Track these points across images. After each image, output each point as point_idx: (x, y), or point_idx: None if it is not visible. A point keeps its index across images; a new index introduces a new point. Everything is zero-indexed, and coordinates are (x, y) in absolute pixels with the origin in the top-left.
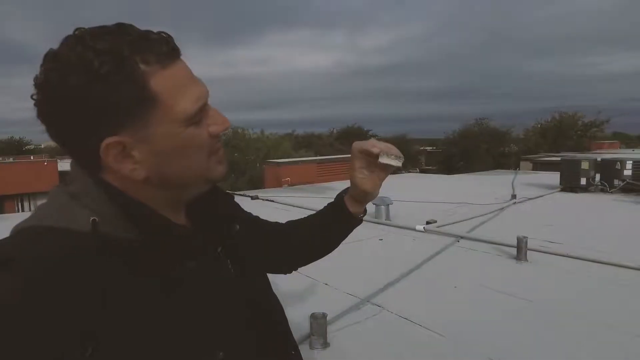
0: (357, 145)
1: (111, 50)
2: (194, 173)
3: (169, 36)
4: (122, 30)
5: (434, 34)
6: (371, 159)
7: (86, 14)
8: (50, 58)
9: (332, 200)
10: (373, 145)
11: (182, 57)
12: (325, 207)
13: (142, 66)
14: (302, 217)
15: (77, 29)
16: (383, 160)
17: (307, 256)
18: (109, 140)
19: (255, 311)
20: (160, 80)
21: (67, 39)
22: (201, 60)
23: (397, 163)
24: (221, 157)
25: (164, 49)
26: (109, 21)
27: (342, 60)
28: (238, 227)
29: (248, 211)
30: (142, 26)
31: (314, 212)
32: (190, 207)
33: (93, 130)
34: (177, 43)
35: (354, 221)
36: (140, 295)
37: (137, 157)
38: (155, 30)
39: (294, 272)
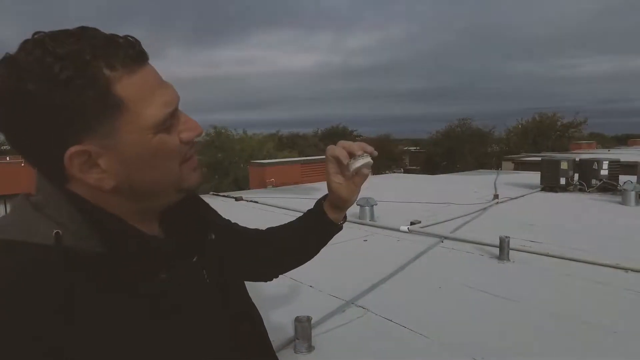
0: (330, 150)
1: (72, 54)
2: (166, 181)
3: (136, 40)
4: (85, 34)
5: (418, 35)
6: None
7: (63, 13)
8: (7, 63)
9: (313, 205)
10: (342, 154)
11: (150, 62)
12: (304, 213)
13: (106, 71)
14: (284, 222)
15: (36, 33)
16: (353, 166)
17: (287, 263)
18: (72, 149)
19: (233, 321)
20: (126, 86)
21: (26, 43)
22: (184, 60)
23: (366, 159)
24: (195, 164)
25: (130, 54)
26: (89, 20)
27: (327, 60)
28: (213, 236)
29: (227, 218)
30: (125, 26)
31: (299, 212)
32: (165, 216)
33: (55, 139)
34: (146, 47)
35: (334, 228)
36: (110, 309)
37: (104, 166)
38: (122, 34)
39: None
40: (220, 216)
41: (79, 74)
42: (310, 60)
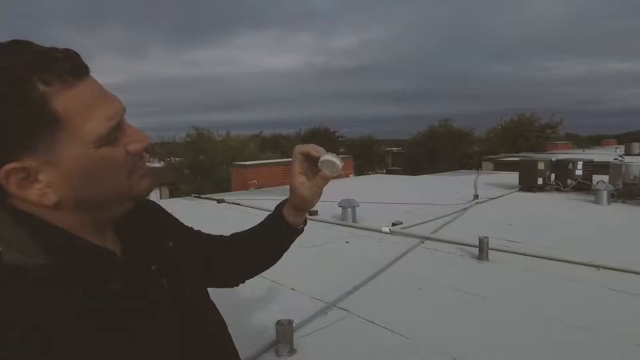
0: (299, 147)
1: (4, 70)
2: (114, 193)
3: (75, 53)
4: (17, 48)
5: (399, 37)
6: (312, 163)
7: (40, 7)
8: None
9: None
10: (313, 148)
11: (91, 74)
12: (265, 218)
13: (41, 86)
14: (245, 229)
15: None
16: (326, 157)
17: (250, 269)
18: (8, 166)
19: (196, 329)
20: (64, 101)
21: None
22: (166, 60)
23: (338, 161)
24: (145, 171)
25: (67, 67)
26: (64, 18)
27: (309, 61)
28: (171, 243)
29: (189, 226)
30: (104, 25)
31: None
32: (122, 225)
33: None
34: (126, 46)
35: (294, 232)
36: (57, 325)
37: (46, 182)
38: (59, 48)
39: (260, 276)
40: (181, 223)
41: (11, 90)
42: (293, 61)
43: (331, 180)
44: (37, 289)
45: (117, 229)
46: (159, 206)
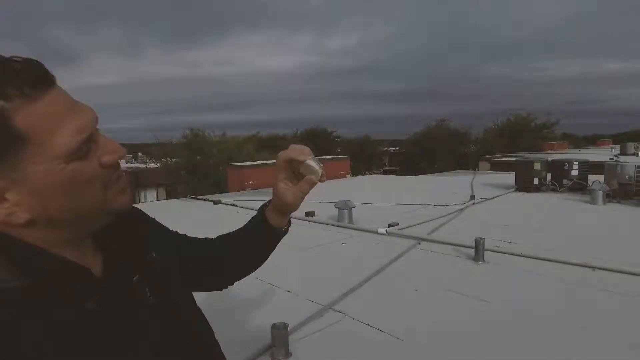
0: (283, 154)
1: None
2: (89, 208)
3: (38, 63)
4: None
5: (397, 37)
6: (295, 169)
7: (39, 7)
8: None
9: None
10: (302, 151)
11: (58, 84)
12: (249, 220)
13: (0, 102)
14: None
15: None
16: (309, 162)
17: (237, 272)
18: None
19: (178, 339)
20: (27, 116)
21: None
22: (163, 60)
23: (317, 166)
24: (122, 186)
25: (29, 80)
26: (62, 18)
27: (307, 61)
28: (154, 253)
29: (174, 230)
30: (101, 25)
31: None
32: (102, 238)
33: None
34: (123, 46)
35: (278, 233)
36: (36, 347)
37: (14, 200)
38: (20, 58)
39: (255, 279)
40: (165, 229)
41: None
42: (290, 61)
43: (319, 183)
44: (12, 310)
45: (97, 240)
46: (142, 213)
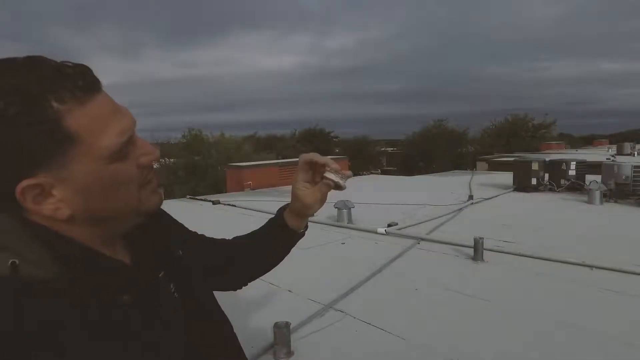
0: (305, 156)
1: (18, 89)
2: (125, 207)
3: (87, 69)
4: (31, 65)
5: (395, 38)
6: (316, 172)
7: (37, 7)
8: None
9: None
10: (317, 157)
11: (103, 89)
12: (267, 222)
13: (55, 105)
14: (247, 232)
15: None
16: (329, 175)
17: (252, 272)
18: (24, 184)
19: (205, 331)
20: (78, 118)
21: None
22: (161, 61)
23: (342, 182)
24: (155, 187)
25: (80, 85)
26: (62, 17)
27: (305, 61)
28: (180, 252)
29: (193, 230)
30: (100, 25)
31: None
32: (130, 236)
33: (5, 176)
34: (122, 47)
35: (295, 236)
36: (74, 336)
37: (60, 196)
38: (71, 63)
39: (257, 279)
40: (186, 229)
41: (26, 110)
42: (289, 61)
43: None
44: (53, 301)
45: (126, 238)
46: (166, 213)
